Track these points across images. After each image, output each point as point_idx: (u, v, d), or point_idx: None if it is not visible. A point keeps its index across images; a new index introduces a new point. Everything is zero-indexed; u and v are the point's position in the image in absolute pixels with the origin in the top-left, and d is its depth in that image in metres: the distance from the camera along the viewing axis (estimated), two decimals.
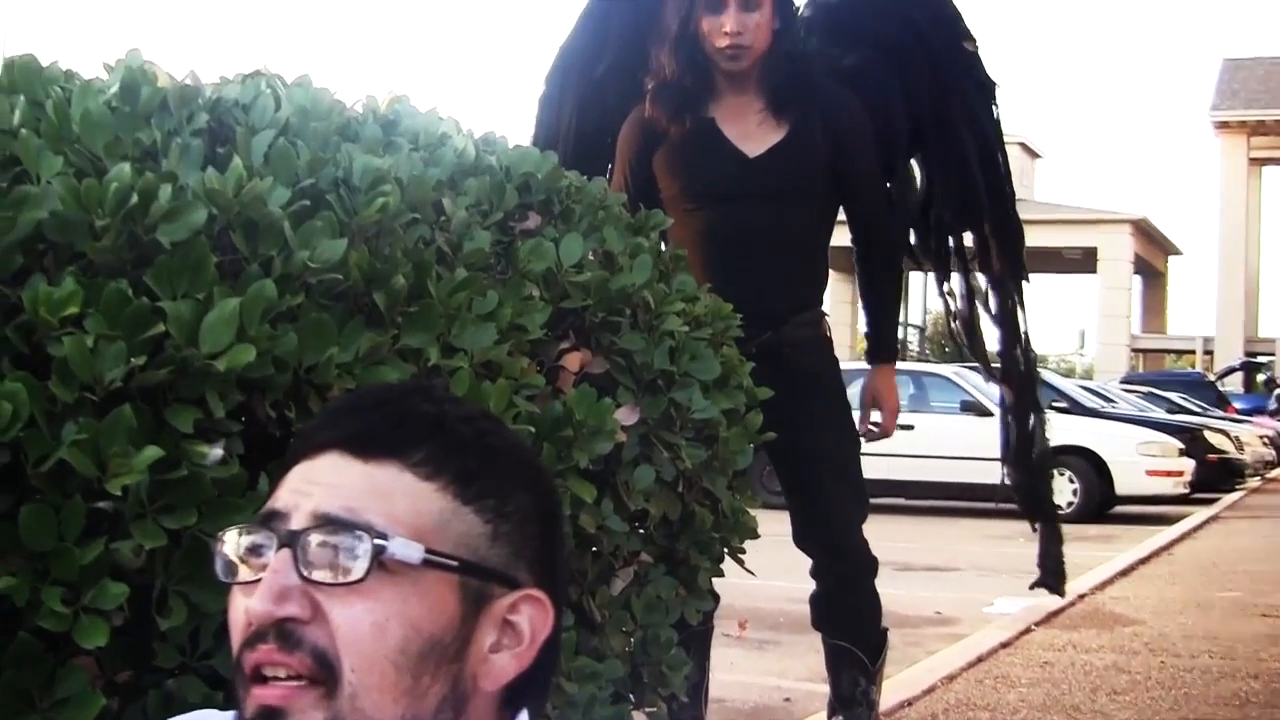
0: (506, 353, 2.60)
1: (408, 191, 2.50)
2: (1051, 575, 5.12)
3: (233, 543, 1.35)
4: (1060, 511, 17.53)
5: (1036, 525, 5.11)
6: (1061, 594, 5.30)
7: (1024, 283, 4.81)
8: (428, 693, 1.32)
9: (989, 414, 15.23)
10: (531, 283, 2.82)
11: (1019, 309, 4.79)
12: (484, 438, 1.42)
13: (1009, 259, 4.75)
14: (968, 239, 4.79)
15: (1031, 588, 5.24)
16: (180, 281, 2.05)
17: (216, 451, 2.02)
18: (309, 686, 1.29)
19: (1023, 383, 4.88)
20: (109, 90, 2.36)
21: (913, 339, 41.92)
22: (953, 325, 5.02)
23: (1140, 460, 18.13)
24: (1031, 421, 4.91)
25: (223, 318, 2.03)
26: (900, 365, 20.49)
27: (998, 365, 4.89)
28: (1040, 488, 5.04)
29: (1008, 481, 5.00)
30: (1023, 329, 4.81)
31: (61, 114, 2.21)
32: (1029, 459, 4.92)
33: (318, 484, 1.35)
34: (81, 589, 1.91)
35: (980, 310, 4.83)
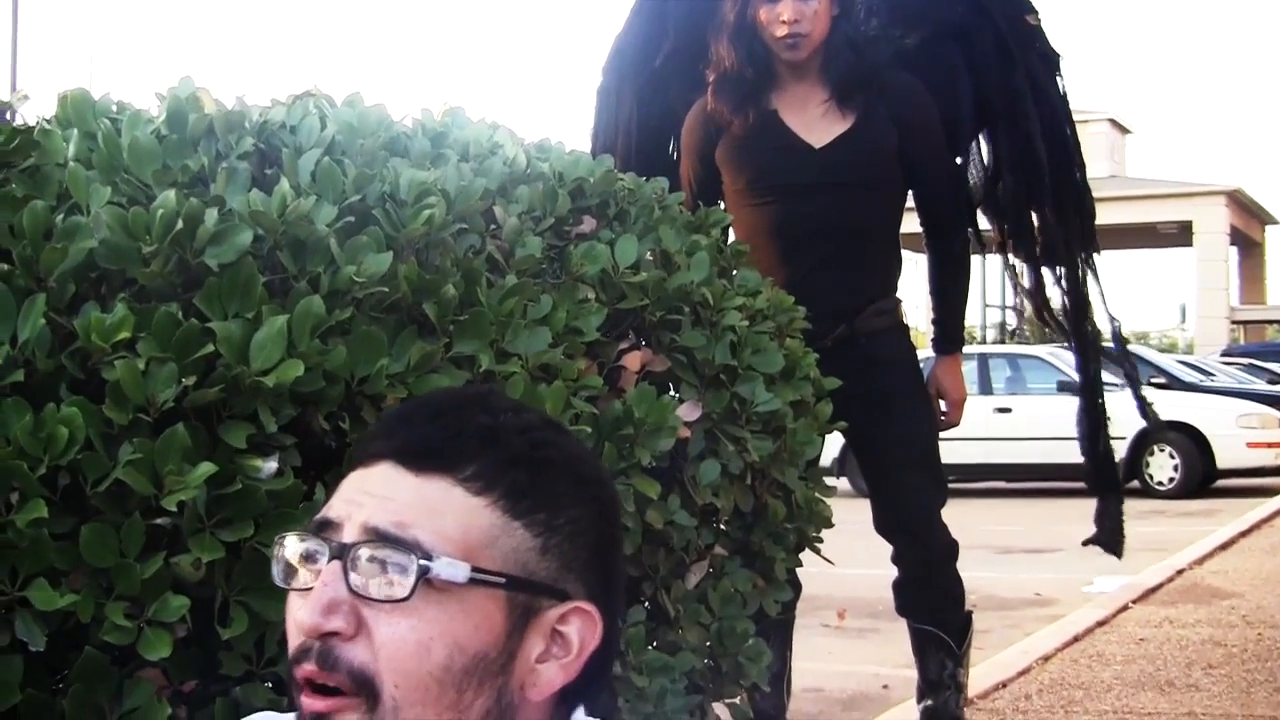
0: (562, 355, 2.65)
1: (455, 202, 2.55)
2: (1108, 533, 5.07)
3: (291, 548, 1.38)
4: (1161, 487, 17.40)
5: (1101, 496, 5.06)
6: (1119, 555, 5.22)
7: (1096, 255, 4.76)
8: (472, 705, 1.34)
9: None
10: (587, 286, 2.86)
11: (1092, 281, 4.75)
12: (538, 450, 1.42)
13: (1079, 232, 4.72)
14: (1036, 215, 4.75)
15: (1085, 544, 5.18)
16: (229, 302, 2.12)
17: (270, 465, 2.08)
18: (352, 701, 1.32)
19: (1096, 355, 4.84)
20: (158, 119, 2.43)
21: (1011, 321, 41.51)
22: (1023, 302, 4.99)
23: (1240, 433, 17.84)
24: (1102, 392, 4.88)
25: (271, 335, 2.09)
26: (996, 348, 20.18)
27: (1071, 340, 4.86)
28: (1110, 458, 4.99)
29: (1089, 453, 4.97)
30: (1096, 302, 4.77)
31: (112, 144, 2.29)
32: (1099, 429, 4.89)
33: (370, 495, 1.37)
34: (144, 603, 1.98)
35: (1050, 285, 4.79)
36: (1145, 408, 5.01)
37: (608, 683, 1.49)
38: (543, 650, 1.38)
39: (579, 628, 1.40)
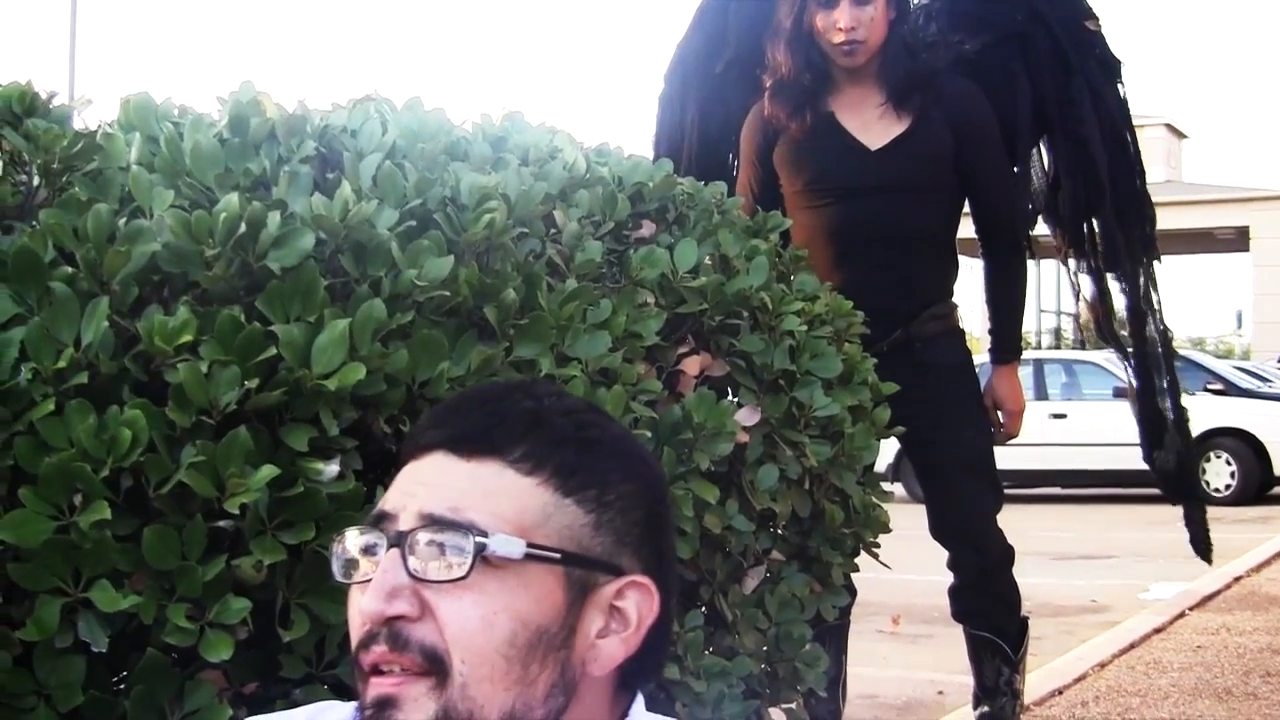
0: (622, 360, 2.65)
1: (515, 207, 2.56)
2: (1200, 544, 5.03)
3: (349, 544, 1.40)
4: (1218, 494, 17.33)
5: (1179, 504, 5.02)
6: (1210, 560, 5.18)
7: (1156, 263, 4.73)
8: (537, 680, 1.35)
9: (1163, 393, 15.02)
10: (646, 290, 2.86)
11: (1152, 290, 4.72)
12: (583, 430, 1.44)
13: (1139, 239, 4.69)
14: (1096, 222, 4.72)
15: (1193, 550, 5.12)
16: (291, 305, 2.13)
17: (332, 468, 2.09)
18: (421, 677, 1.33)
19: (1156, 364, 4.81)
20: (220, 123, 2.44)
21: (1067, 326, 41.30)
22: (1082, 310, 4.96)
23: None
24: (1168, 402, 4.84)
25: (333, 339, 2.09)
26: (1051, 354, 20.07)
27: (1129, 348, 4.82)
28: (1180, 467, 4.94)
29: (1151, 464, 4.93)
30: (1156, 309, 4.74)
31: (174, 148, 2.30)
32: (1165, 440, 4.85)
33: (423, 484, 1.39)
34: (205, 605, 1.99)
35: (1111, 293, 4.76)
36: (1182, 423, 4.94)
37: (665, 659, 1.50)
38: (602, 626, 1.41)
39: (636, 602, 1.42)
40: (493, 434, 1.41)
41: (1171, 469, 4.87)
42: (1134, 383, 4.85)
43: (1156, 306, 4.74)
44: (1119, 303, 4.75)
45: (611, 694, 1.44)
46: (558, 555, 1.37)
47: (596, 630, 1.40)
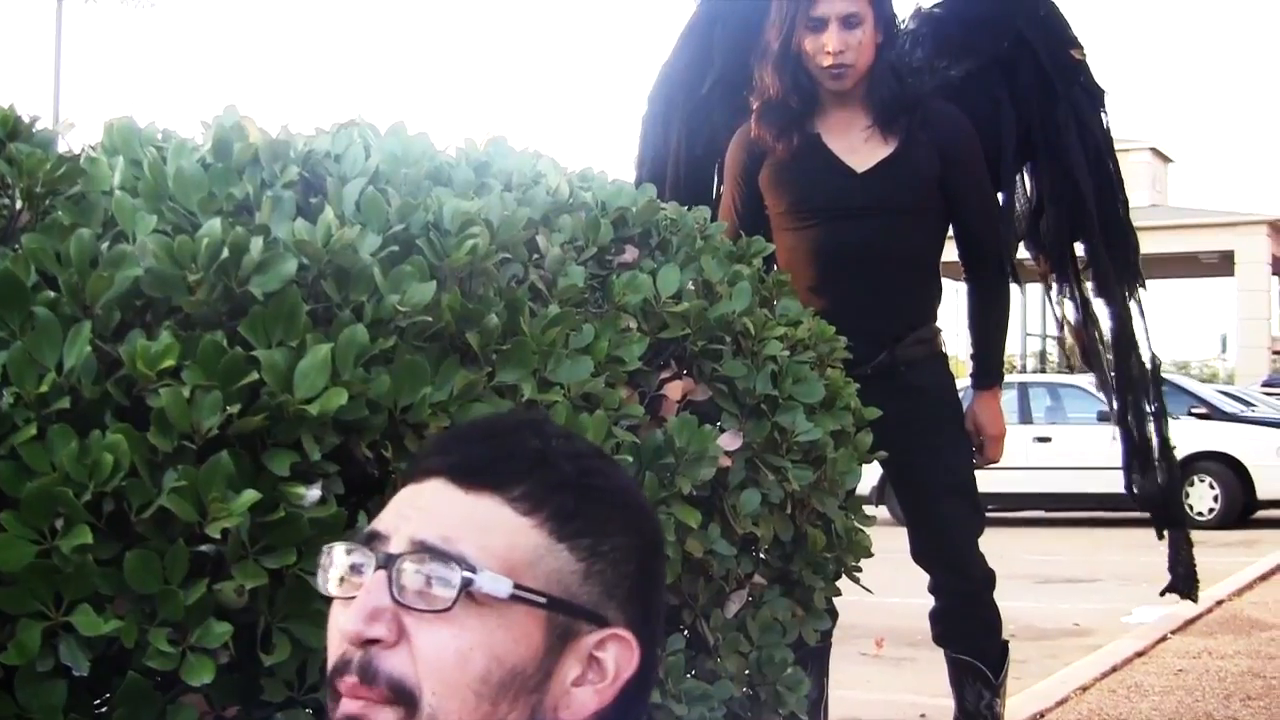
0: (604, 384, 2.66)
1: (499, 232, 2.56)
2: (1184, 581, 5.05)
3: (337, 558, 1.40)
4: (1201, 518, 17.40)
5: (1164, 534, 5.02)
6: (1195, 599, 5.22)
7: (1140, 289, 4.75)
8: (506, 719, 1.35)
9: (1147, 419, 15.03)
10: (629, 315, 2.87)
11: (1136, 316, 4.74)
12: (586, 476, 1.44)
13: (1122, 266, 4.70)
14: (1079, 248, 4.74)
15: (1163, 593, 5.17)
16: (274, 330, 2.13)
17: (314, 493, 2.10)
18: (389, 705, 1.34)
19: (1139, 390, 4.82)
20: (203, 147, 2.45)
21: (1051, 350, 41.32)
22: (1066, 336, 4.97)
23: None
24: (1150, 428, 4.85)
25: (315, 364, 2.10)
26: (1036, 377, 20.12)
27: (1113, 374, 4.83)
28: (1166, 494, 4.95)
29: (1134, 490, 4.93)
30: (1140, 336, 4.75)
31: (158, 172, 2.31)
32: (1151, 466, 4.86)
33: (419, 509, 1.40)
34: (187, 629, 2.00)
35: (1097, 319, 4.77)
36: (1169, 450, 4.93)
37: (644, 713, 1.50)
38: (579, 674, 1.40)
39: (616, 655, 1.42)
40: (495, 468, 1.41)
41: (1158, 497, 4.88)
42: (1116, 409, 4.85)
43: (1143, 333, 4.75)
44: (1105, 328, 4.76)
45: None
46: (543, 600, 1.37)
47: (573, 678, 1.40)
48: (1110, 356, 4.79)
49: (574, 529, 1.41)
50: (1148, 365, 4.79)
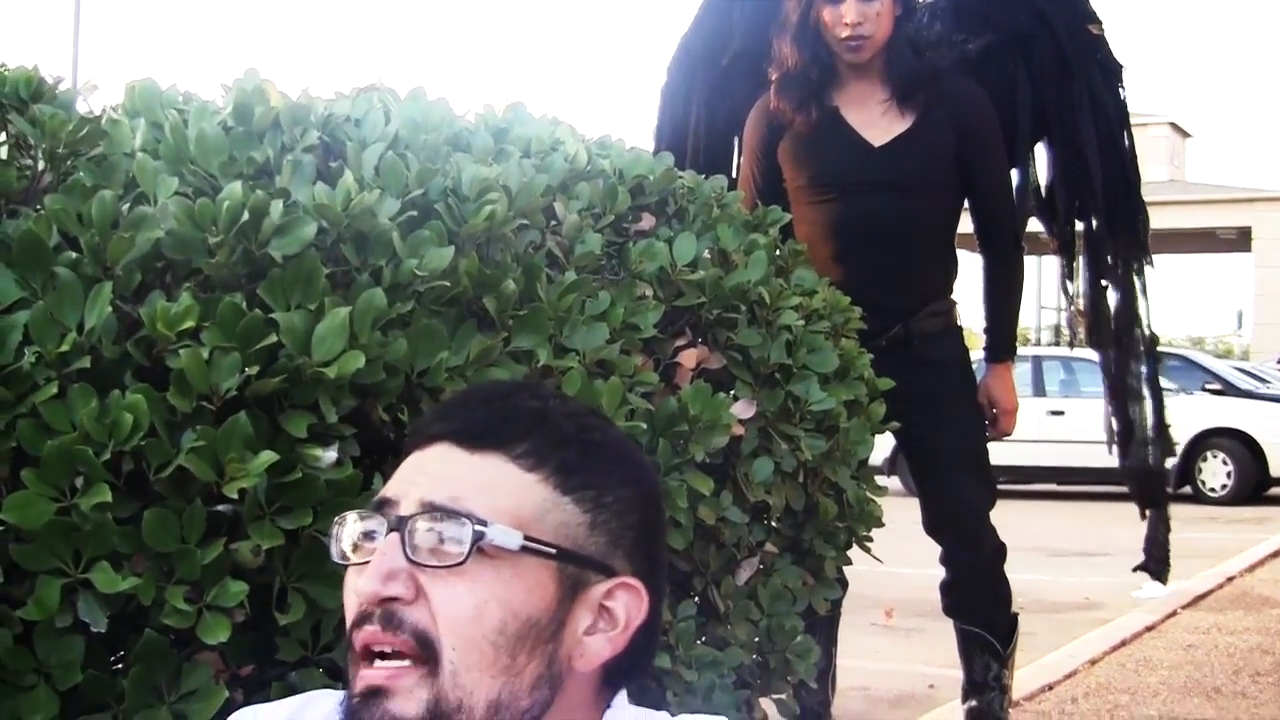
0: (619, 351, 2.67)
1: (516, 199, 2.57)
2: (1157, 562, 5.06)
3: (350, 527, 1.43)
4: (1214, 494, 17.35)
5: (1145, 513, 5.03)
6: (1164, 581, 5.22)
7: (1148, 267, 4.74)
8: (524, 670, 1.38)
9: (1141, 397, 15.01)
10: (645, 283, 2.88)
11: (1141, 295, 4.73)
12: (586, 433, 1.48)
13: (1131, 244, 4.70)
14: (1088, 226, 4.73)
15: (1135, 570, 5.17)
16: (292, 293, 2.15)
17: (330, 454, 2.11)
18: (412, 667, 1.36)
19: (1136, 368, 4.81)
20: (224, 111, 2.46)
21: (1064, 326, 41.14)
22: (1074, 311, 4.95)
23: None
24: (1147, 407, 4.84)
25: (333, 327, 2.11)
26: (1050, 351, 19.96)
27: (1113, 351, 4.81)
28: (1152, 474, 4.95)
29: (1122, 466, 4.93)
30: (1142, 315, 4.75)
31: (179, 136, 2.32)
32: (1143, 444, 4.86)
33: (426, 473, 1.42)
34: (203, 588, 2.02)
35: (1103, 297, 4.76)
36: (1161, 430, 4.92)
37: (651, 662, 1.54)
38: (590, 623, 1.43)
39: (626, 603, 1.45)
40: (498, 429, 1.44)
41: (1144, 476, 4.89)
42: (1111, 385, 4.85)
43: (1145, 312, 4.75)
44: (1105, 305, 4.76)
45: (595, 690, 1.47)
46: (553, 550, 1.40)
47: (585, 627, 1.43)
48: (1111, 332, 4.78)
49: (578, 482, 1.44)
50: (1143, 345, 4.78)
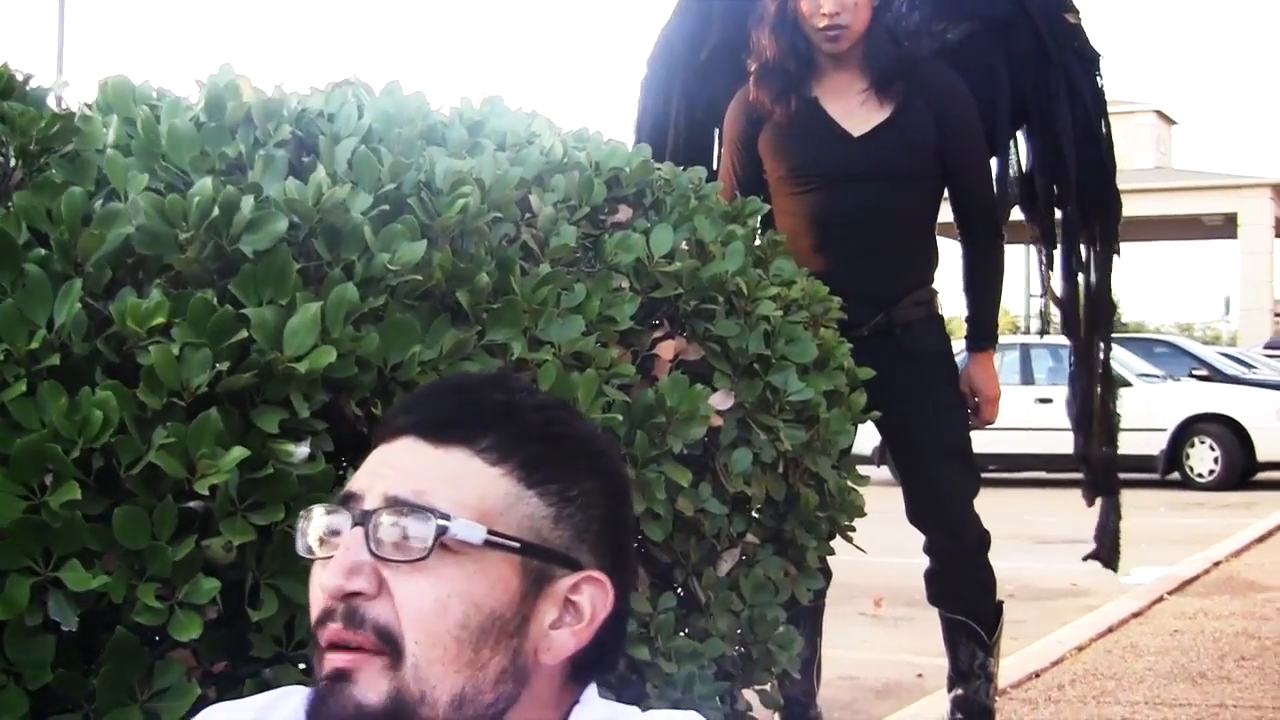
0: (596, 344, 2.67)
1: (490, 192, 2.57)
2: (1107, 550, 5.08)
3: (315, 521, 1.43)
4: (1201, 479, 17.38)
5: (1094, 501, 5.05)
6: (1115, 569, 5.23)
7: (1115, 256, 4.75)
8: (488, 664, 1.38)
9: (1128, 384, 15.05)
10: (621, 275, 2.88)
11: (1107, 285, 4.74)
12: (552, 426, 1.48)
13: (1102, 233, 4.71)
14: (1064, 216, 4.73)
15: (1085, 559, 5.18)
16: (264, 289, 2.14)
17: (303, 450, 2.11)
18: (375, 655, 1.36)
19: (1099, 354, 4.82)
20: (196, 106, 2.45)
21: (1054, 312, 41.27)
22: (1048, 298, 4.95)
23: None
24: (1106, 395, 4.85)
25: (305, 322, 2.11)
26: (1038, 339, 19.90)
27: (1085, 337, 4.82)
28: (1104, 462, 4.96)
29: (1077, 453, 4.95)
30: (1107, 303, 4.77)
31: (151, 131, 2.32)
32: (1098, 432, 4.87)
33: (391, 467, 1.43)
34: (175, 585, 2.01)
35: (1078, 287, 4.77)
36: (1109, 421, 4.93)
37: (619, 655, 1.54)
38: (555, 617, 1.43)
39: (591, 596, 1.45)
40: (463, 422, 1.44)
41: (1097, 464, 4.90)
42: (1075, 373, 4.87)
43: (1107, 299, 4.77)
44: (1076, 291, 4.77)
45: (562, 684, 1.47)
46: (517, 544, 1.40)
47: (550, 621, 1.43)
48: (1080, 319, 4.79)
49: (542, 476, 1.44)
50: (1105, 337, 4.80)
